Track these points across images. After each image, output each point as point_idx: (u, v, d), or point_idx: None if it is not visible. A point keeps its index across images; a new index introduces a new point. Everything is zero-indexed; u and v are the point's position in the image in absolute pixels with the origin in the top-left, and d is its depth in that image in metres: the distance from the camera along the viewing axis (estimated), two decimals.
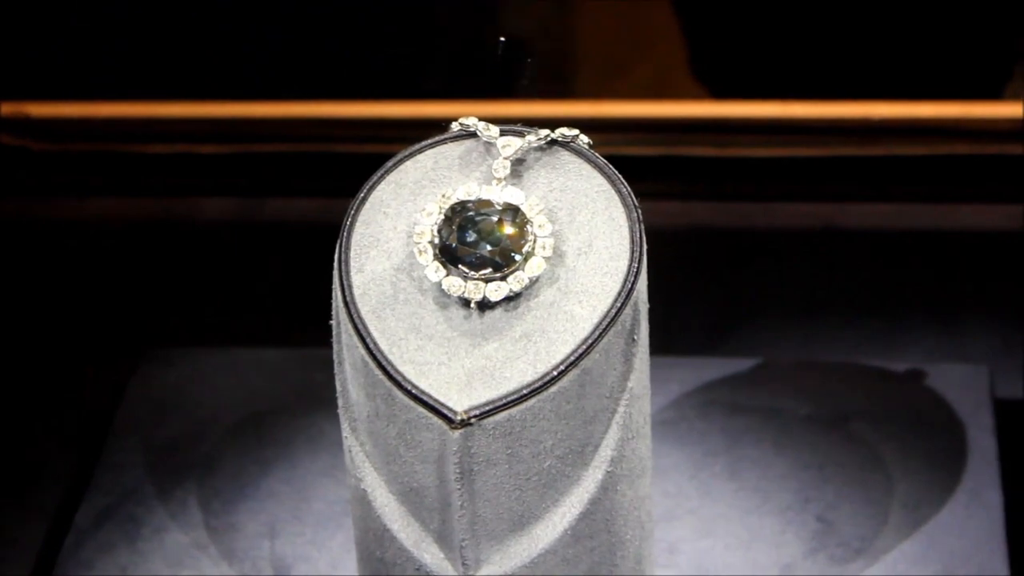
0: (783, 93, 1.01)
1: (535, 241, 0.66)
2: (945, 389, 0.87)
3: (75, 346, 0.94)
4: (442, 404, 0.64)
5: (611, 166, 0.69)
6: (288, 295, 0.96)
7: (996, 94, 1.00)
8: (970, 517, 0.81)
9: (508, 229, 0.66)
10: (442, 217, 0.66)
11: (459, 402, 0.64)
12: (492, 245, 0.66)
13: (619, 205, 0.68)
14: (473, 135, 0.69)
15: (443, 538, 0.67)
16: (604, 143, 0.95)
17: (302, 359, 0.90)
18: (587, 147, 0.69)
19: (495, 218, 0.66)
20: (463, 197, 0.67)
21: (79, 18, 1.01)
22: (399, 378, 0.65)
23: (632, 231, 0.67)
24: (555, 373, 0.64)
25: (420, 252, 0.66)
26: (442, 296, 0.66)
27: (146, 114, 1.04)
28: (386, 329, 0.65)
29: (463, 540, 0.67)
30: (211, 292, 0.98)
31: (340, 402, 0.69)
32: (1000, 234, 0.97)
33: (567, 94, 1.04)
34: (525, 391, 0.64)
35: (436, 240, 0.66)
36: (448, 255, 0.66)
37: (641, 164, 1.00)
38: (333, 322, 0.68)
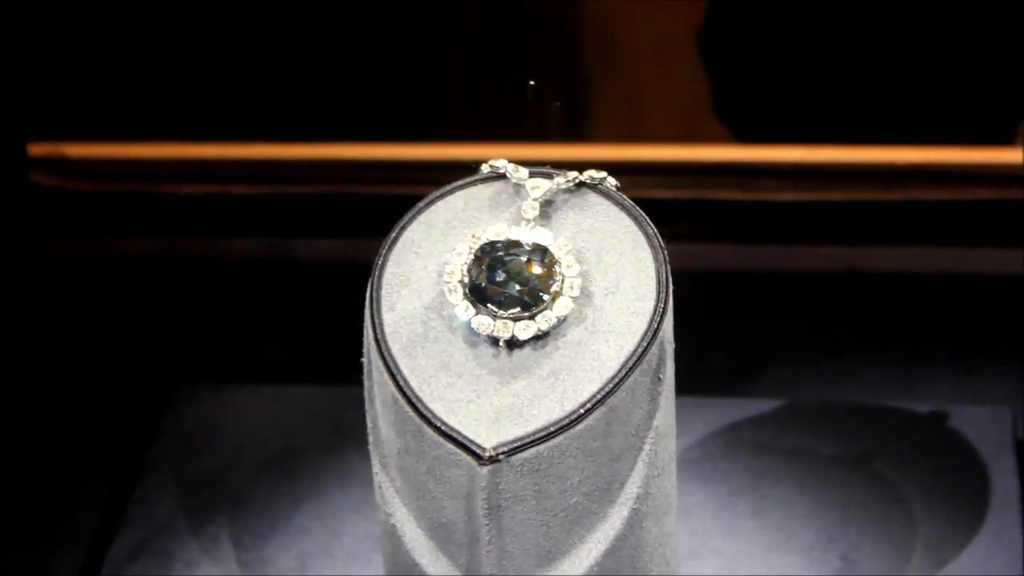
0: (806, 138, 1.01)
1: (563, 281, 0.67)
2: (967, 430, 0.88)
3: (109, 382, 0.95)
4: (471, 441, 0.65)
5: (638, 208, 0.70)
6: (318, 333, 0.97)
7: (1011, 137, 1.00)
8: (992, 558, 0.81)
9: (536, 269, 0.67)
10: (472, 257, 0.68)
11: (487, 439, 0.65)
12: (521, 285, 0.67)
13: (646, 246, 0.69)
14: (502, 177, 0.70)
15: (471, 573, 0.68)
16: (630, 186, 0.96)
17: (332, 396, 0.91)
18: (614, 189, 0.70)
19: (524, 258, 0.67)
20: (492, 237, 0.68)
21: (113, 59, 1.02)
22: (428, 415, 0.66)
23: (658, 272, 0.68)
24: (582, 411, 0.65)
25: (450, 291, 0.67)
26: (471, 335, 0.67)
27: (178, 155, 1.05)
28: (416, 367, 0.67)
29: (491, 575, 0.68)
30: (242, 330, 0.98)
31: (371, 438, 0.70)
32: (1021, 278, 0.98)
33: (594, 137, 1.05)
34: (553, 428, 0.65)
35: (466, 279, 0.67)
36: (477, 294, 0.67)
37: (667, 207, 1.00)
38: (364, 359, 0.69)
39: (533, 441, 0.65)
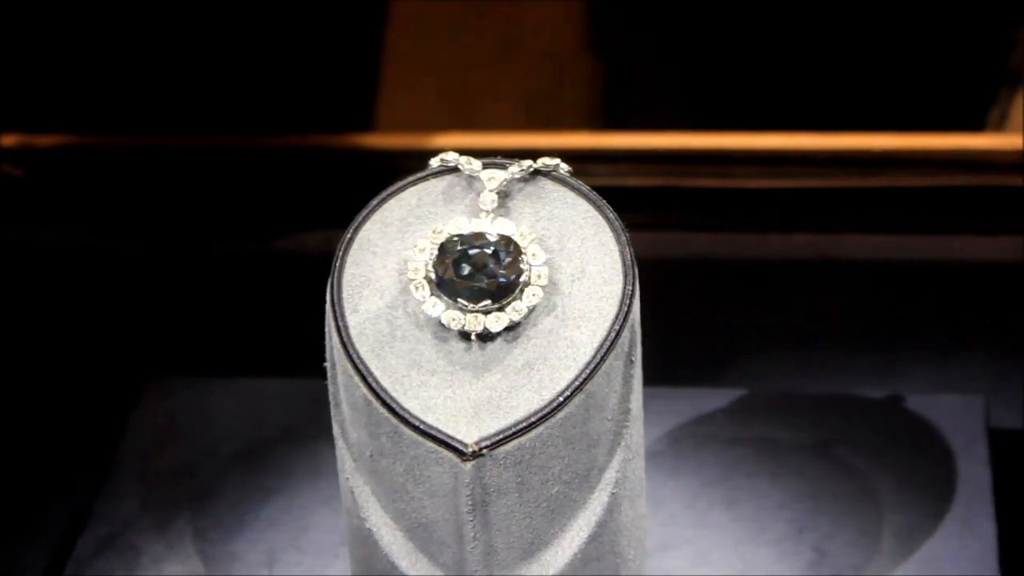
0: (782, 124, 1.01)
1: (530, 270, 0.67)
2: (941, 419, 0.87)
3: (77, 375, 0.94)
4: (451, 437, 0.65)
5: (595, 192, 0.69)
6: (288, 325, 0.96)
7: (986, 123, 1.00)
8: (964, 548, 0.81)
9: (503, 260, 0.67)
10: (435, 252, 0.67)
11: (468, 434, 0.65)
12: (488, 277, 0.67)
13: (607, 230, 0.69)
14: (454, 170, 0.70)
15: (455, 572, 0.68)
16: (604, 174, 0.95)
17: (303, 389, 0.90)
18: (568, 175, 0.70)
19: (488, 250, 0.67)
20: (454, 231, 0.67)
21: (83, 51, 1.02)
22: (405, 415, 0.65)
23: (623, 255, 0.68)
24: (561, 399, 0.65)
25: (416, 288, 0.67)
26: (441, 331, 0.67)
27: (152, 146, 1.05)
28: (387, 367, 0.66)
29: (476, 571, 0.67)
30: (212, 322, 0.98)
31: (338, 443, 0.69)
32: (996, 265, 0.97)
33: (566, 125, 1.04)
34: (533, 419, 0.65)
35: (432, 275, 0.67)
36: (445, 289, 0.67)
37: (640, 195, 1.01)
38: (327, 364, 0.69)
39: (515, 433, 0.65)
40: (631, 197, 1.00)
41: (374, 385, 0.66)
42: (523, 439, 0.65)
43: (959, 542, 0.82)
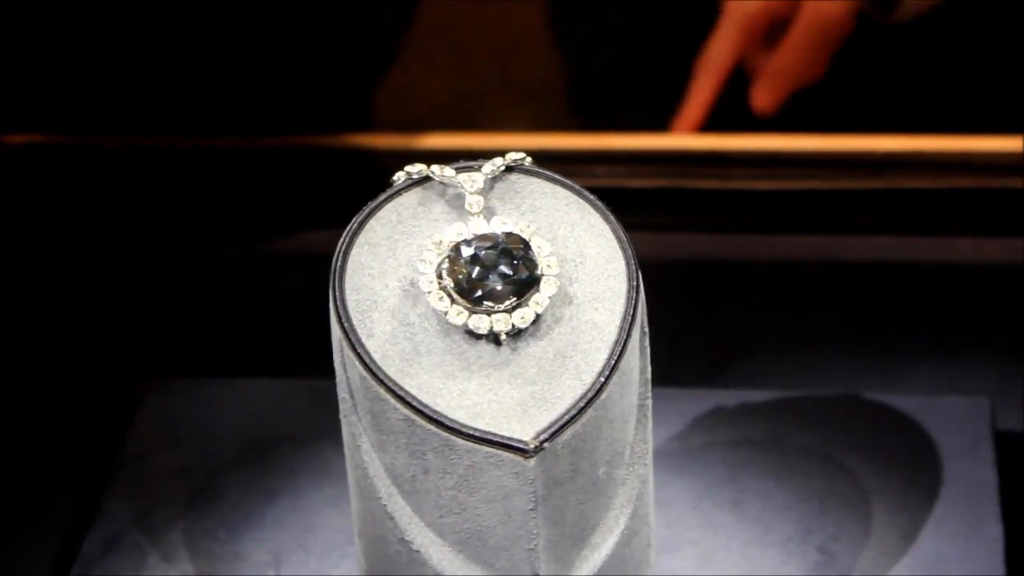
0: (785, 126, 1.01)
1: (541, 262, 0.67)
2: (946, 421, 0.88)
3: (79, 376, 0.94)
4: (509, 438, 0.65)
5: (567, 179, 0.70)
6: (290, 325, 0.96)
7: (997, 127, 1.00)
8: (970, 549, 0.81)
9: (513, 257, 0.67)
10: (446, 261, 0.67)
11: (523, 431, 0.65)
12: (505, 275, 0.67)
13: (592, 211, 0.70)
14: (424, 180, 0.70)
15: (510, 574, 0.68)
16: (604, 174, 0.95)
17: (307, 389, 0.90)
18: (534, 166, 0.70)
19: (498, 249, 0.67)
20: (455, 237, 0.67)
21: (72, 43, 1.02)
22: (456, 426, 0.65)
23: (615, 232, 0.69)
24: (602, 379, 0.66)
25: (438, 299, 0.67)
26: (465, 337, 0.67)
27: (153, 146, 1.05)
28: (421, 384, 0.66)
29: (536, 570, 0.67)
30: (216, 323, 0.98)
31: (371, 471, 0.69)
32: (1000, 267, 0.98)
33: (566, 125, 1.04)
34: (581, 404, 0.66)
35: (448, 284, 0.67)
36: (466, 295, 0.67)
37: (644, 196, 1.01)
38: (343, 402, 0.68)
39: (568, 422, 0.65)
40: (632, 198, 1.00)
41: (414, 403, 0.65)
42: (576, 426, 0.65)
43: (965, 543, 0.82)
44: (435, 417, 0.65)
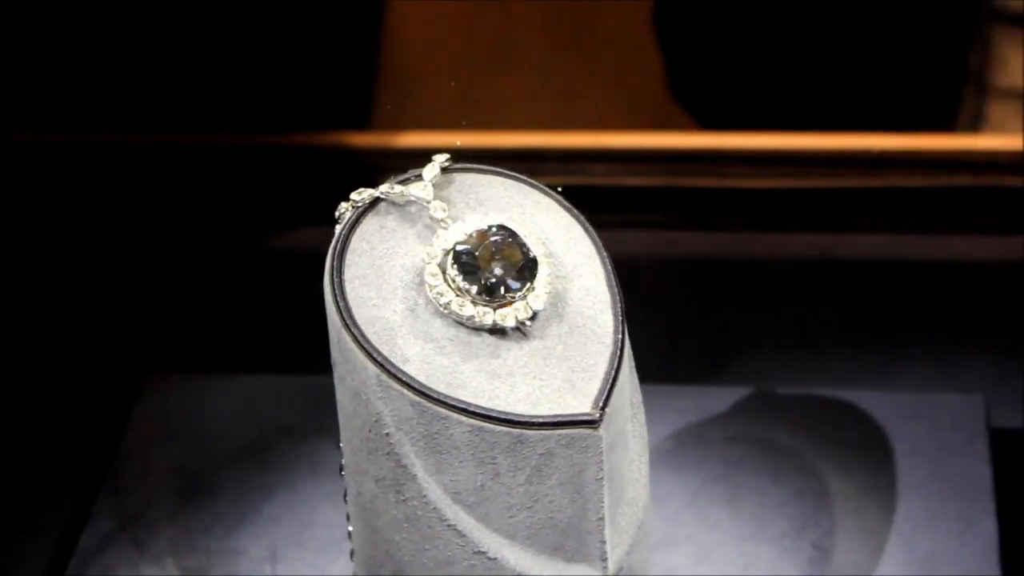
0: (782, 125, 1.01)
1: (532, 245, 0.68)
2: (941, 418, 0.88)
3: (77, 373, 0.94)
4: (575, 415, 0.66)
5: (495, 167, 0.71)
6: (287, 322, 0.97)
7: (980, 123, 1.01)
8: (965, 546, 0.82)
9: (508, 247, 0.68)
10: (450, 268, 0.67)
11: (581, 404, 0.66)
12: (508, 266, 0.68)
13: (533, 190, 0.71)
14: (376, 201, 0.70)
15: (580, 553, 0.68)
16: (605, 174, 0.96)
17: (304, 385, 0.90)
18: (452, 163, 0.71)
19: (494, 243, 0.67)
20: (447, 245, 0.68)
21: (71, 42, 1.02)
22: (525, 419, 0.66)
23: (558, 202, 0.71)
24: (620, 336, 0.67)
25: (459, 307, 0.67)
26: (489, 334, 0.67)
27: (148, 143, 1.05)
28: (474, 392, 0.66)
29: (602, 541, 0.68)
30: (213, 319, 0.98)
31: (431, 495, 0.68)
32: (996, 265, 0.98)
33: (566, 125, 1.04)
34: (615, 363, 0.67)
35: (468, 287, 0.67)
36: (486, 294, 0.67)
37: (640, 194, 1.01)
38: (376, 440, 0.67)
39: (612, 384, 0.66)
40: (631, 197, 1.01)
41: (480, 411, 0.66)
42: (617, 386, 0.67)
43: (960, 540, 0.82)
44: (504, 418, 0.66)
